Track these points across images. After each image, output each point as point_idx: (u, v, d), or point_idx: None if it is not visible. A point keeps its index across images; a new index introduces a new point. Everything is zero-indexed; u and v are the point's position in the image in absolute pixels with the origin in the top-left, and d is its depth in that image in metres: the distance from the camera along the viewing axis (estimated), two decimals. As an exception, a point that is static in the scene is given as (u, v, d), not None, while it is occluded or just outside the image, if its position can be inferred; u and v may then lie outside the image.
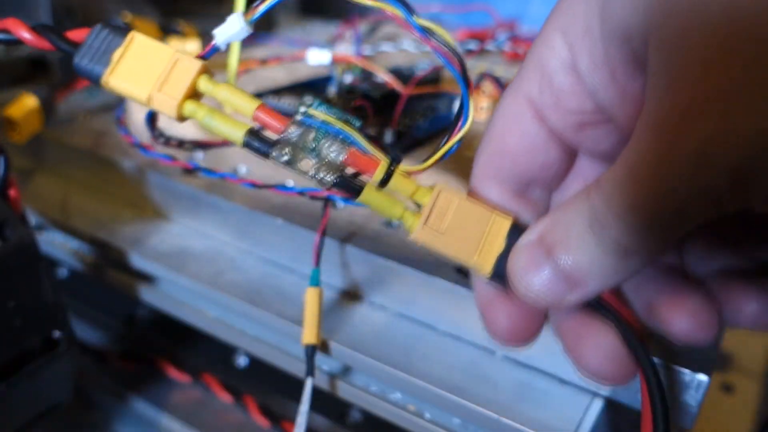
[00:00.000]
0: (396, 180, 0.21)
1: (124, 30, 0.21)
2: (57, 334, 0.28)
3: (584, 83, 0.19)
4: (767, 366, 0.43)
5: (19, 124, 0.35)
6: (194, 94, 0.21)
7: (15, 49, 0.46)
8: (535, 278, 0.18)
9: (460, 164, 0.36)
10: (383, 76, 0.43)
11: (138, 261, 0.33)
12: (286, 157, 0.20)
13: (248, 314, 0.30)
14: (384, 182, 0.21)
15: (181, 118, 0.21)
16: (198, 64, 0.21)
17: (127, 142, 0.36)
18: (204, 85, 0.21)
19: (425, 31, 0.20)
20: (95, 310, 0.41)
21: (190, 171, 0.35)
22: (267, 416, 0.35)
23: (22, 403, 0.28)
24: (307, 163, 0.20)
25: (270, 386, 0.36)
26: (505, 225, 0.21)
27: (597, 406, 0.26)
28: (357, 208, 0.31)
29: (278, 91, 0.44)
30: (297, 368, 0.30)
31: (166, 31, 0.48)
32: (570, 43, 0.19)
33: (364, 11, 0.72)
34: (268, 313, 0.29)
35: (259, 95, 0.43)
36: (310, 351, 0.26)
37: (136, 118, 0.39)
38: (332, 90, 0.44)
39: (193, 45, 0.46)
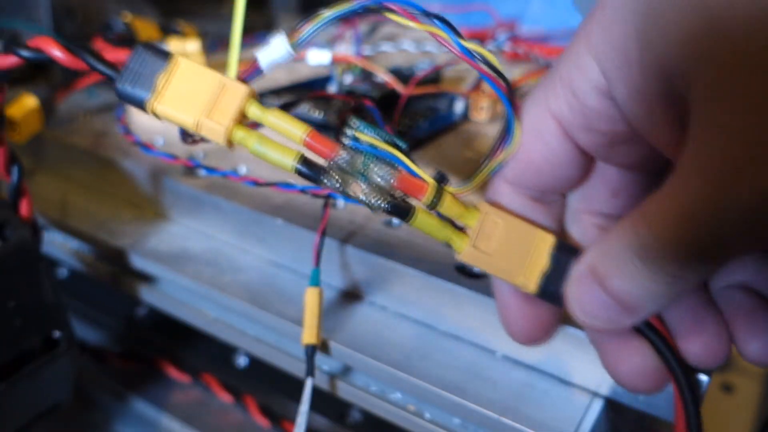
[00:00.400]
0: (444, 201, 0.21)
1: (166, 53, 0.21)
2: (57, 334, 0.28)
3: (619, 110, 0.19)
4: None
5: (19, 124, 0.35)
6: (242, 119, 0.21)
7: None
8: (592, 307, 0.19)
9: (458, 164, 0.36)
10: (383, 76, 0.43)
11: (138, 261, 0.33)
12: (337, 184, 0.20)
13: (248, 314, 0.30)
14: (433, 205, 0.21)
15: (230, 145, 0.21)
16: (245, 89, 0.21)
17: (128, 141, 0.36)
18: (252, 110, 0.21)
19: (471, 53, 0.20)
20: (95, 310, 0.41)
21: (191, 169, 0.35)
22: (267, 416, 0.35)
23: (22, 403, 0.28)
24: (357, 188, 0.21)
25: (270, 386, 0.36)
26: (548, 242, 0.22)
27: (597, 406, 0.26)
28: (357, 208, 0.31)
29: (278, 91, 0.44)
30: (297, 368, 0.30)
31: (166, 31, 0.48)
32: (604, 69, 0.19)
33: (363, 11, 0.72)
34: (268, 313, 0.29)
35: (259, 95, 0.43)
36: (310, 351, 0.26)
37: (137, 117, 0.39)
38: (332, 90, 0.44)
39: (194, 45, 0.46)
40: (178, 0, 0.61)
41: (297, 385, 0.27)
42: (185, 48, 0.45)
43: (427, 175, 0.21)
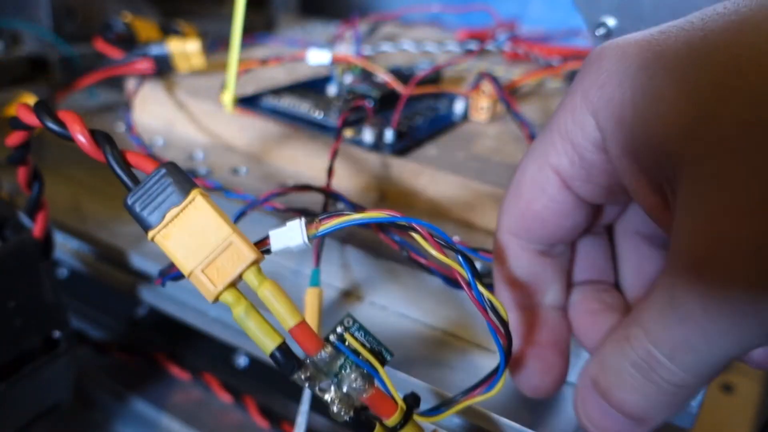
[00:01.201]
0: (407, 428, 0.20)
1: (187, 184, 0.19)
2: (57, 334, 0.28)
3: (615, 166, 0.19)
4: (767, 366, 0.43)
5: (19, 124, 0.35)
6: (237, 280, 0.20)
7: (15, 49, 0.46)
8: (601, 421, 0.19)
9: (458, 164, 0.36)
10: (383, 76, 0.43)
11: (138, 261, 0.33)
12: (307, 382, 0.20)
13: (248, 314, 0.30)
14: (395, 430, 0.20)
15: (216, 302, 0.20)
16: (251, 257, 0.19)
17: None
18: (250, 278, 0.20)
19: (483, 300, 0.19)
20: (95, 310, 0.41)
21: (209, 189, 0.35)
22: (267, 416, 0.35)
23: (22, 403, 0.28)
24: (327, 388, 0.20)
25: (270, 386, 0.36)
26: None
27: (597, 406, 0.26)
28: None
29: (278, 92, 0.44)
30: (297, 368, 0.30)
31: (166, 31, 0.48)
32: (600, 126, 0.19)
33: (364, 11, 0.72)
34: (268, 313, 0.29)
35: (259, 95, 0.43)
36: (310, 351, 0.26)
37: (138, 116, 0.39)
38: (332, 90, 0.44)
39: (193, 45, 0.46)
40: (178, 0, 0.61)
41: (297, 385, 0.26)
42: (185, 48, 0.45)
43: (399, 398, 0.20)
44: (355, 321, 0.21)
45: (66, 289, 0.41)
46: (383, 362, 0.21)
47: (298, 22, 0.73)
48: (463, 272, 0.19)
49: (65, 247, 0.36)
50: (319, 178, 0.35)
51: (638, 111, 0.17)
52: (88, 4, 0.49)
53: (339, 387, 0.20)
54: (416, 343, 0.28)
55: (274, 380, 0.36)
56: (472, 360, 0.27)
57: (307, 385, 0.20)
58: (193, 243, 0.19)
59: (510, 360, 0.20)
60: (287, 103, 0.41)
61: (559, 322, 0.23)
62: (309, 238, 0.20)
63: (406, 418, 0.20)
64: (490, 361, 0.27)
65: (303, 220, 0.20)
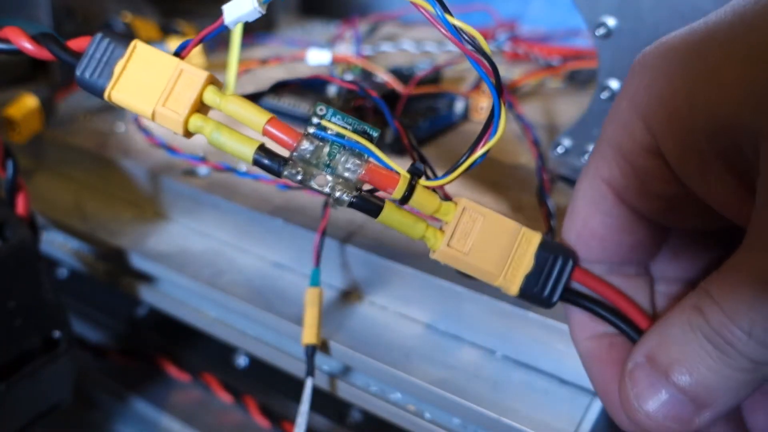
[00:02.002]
0: (417, 195, 0.20)
1: (125, 38, 0.20)
2: (57, 334, 0.28)
3: (670, 169, 0.18)
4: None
5: (19, 124, 0.35)
6: (201, 107, 0.20)
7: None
8: (655, 404, 0.17)
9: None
10: (383, 76, 0.43)
11: (138, 261, 0.33)
12: (299, 176, 0.19)
13: (248, 314, 0.30)
14: (405, 199, 0.19)
15: (188, 135, 0.20)
16: (203, 75, 0.20)
17: (150, 143, 0.36)
18: (210, 97, 0.20)
19: (457, 32, 0.18)
20: (95, 310, 0.41)
21: (191, 171, 0.35)
22: (267, 416, 0.35)
23: (22, 403, 0.28)
24: (322, 180, 0.19)
25: (270, 386, 0.36)
26: (533, 240, 0.20)
27: (597, 406, 0.26)
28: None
29: (278, 92, 0.44)
30: (297, 368, 0.30)
31: (166, 31, 0.48)
32: (652, 128, 0.18)
33: (364, 11, 0.72)
34: (268, 313, 0.29)
35: (259, 95, 0.43)
36: (310, 351, 0.26)
37: (147, 124, 0.39)
38: (332, 90, 0.44)
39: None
40: (178, 0, 0.61)
41: (297, 385, 0.26)
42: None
43: (398, 166, 0.20)
44: (328, 107, 0.20)
45: (66, 289, 0.41)
46: (371, 139, 0.20)
47: (298, 22, 0.73)
48: (428, 6, 0.18)
49: (65, 247, 0.36)
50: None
51: (696, 100, 0.16)
52: (88, 4, 0.49)
53: (334, 174, 0.19)
54: (416, 343, 0.28)
55: (274, 380, 0.36)
56: (473, 359, 0.27)
57: (300, 179, 0.19)
58: (146, 86, 0.20)
59: (502, 95, 0.19)
60: (287, 102, 0.41)
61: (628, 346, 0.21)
62: (259, 3, 0.19)
63: (412, 186, 0.19)
64: (491, 361, 0.27)
65: None
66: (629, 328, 0.20)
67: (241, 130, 0.20)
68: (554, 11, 0.67)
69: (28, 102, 0.36)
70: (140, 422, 0.37)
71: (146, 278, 0.34)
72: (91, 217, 0.36)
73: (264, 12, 0.20)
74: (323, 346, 0.28)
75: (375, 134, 0.20)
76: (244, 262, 0.33)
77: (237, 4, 0.19)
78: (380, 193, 0.20)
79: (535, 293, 0.20)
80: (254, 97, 0.43)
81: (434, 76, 0.45)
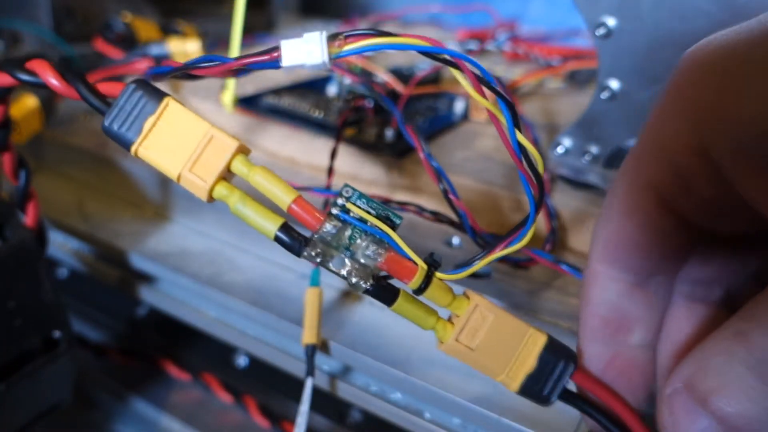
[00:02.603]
0: (432, 288, 0.20)
1: (158, 93, 0.20)
2: (57, 334, 0.28)
3: (717, 168, 0.17)
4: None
5: (19, 124, 0.35)
6: (227, 174, 0.20)
7: (15, 49, 0.46)
8: None
9: (458, 164, 0.36)
10: (383, 76, 0.43)
11: (138, 261, 0.33)
12: (318, 259, 0.19)
13: (248, 314, 0.30)
14: (420, 291, 0.20)
15: (211, 200, 0.20)
16: (234, 145, 0.19)
17: None
18: (238, 167, 0.19)
19: (521, 150, 0.18)
20: (95, 310, 0.41)
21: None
22: (267, 416, 0.35)
23: (22, 403, 0.28)
24: (341, 263, 0.19)
25: (270, 386, 0.36)
26: (539, 342, 0.20)
27: (597, 406, 0.26)
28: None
29: (278, 91, 0.44)
30: (297, 368, 0.30)
31: (166, 31, 0.48)
32: (699, 128, 0.17)
33: (364, 11, 0.72)
34: (268, 313, 0.29)
35: (259, 95, 0.43)
36: (310, 351, 0.26)
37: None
38: (332, 90, 0.44)
39: (193, 45, 0.46)
40: (178, 0, 0.61)
41: (297, 385, 0.26)
42: (185, 48, 0.45)
43: (418, 257, 0.20)
44: (354, 189, 0.20)
45: (66, 289, 0.41)
46: (393, 226, 0.20)
47: (298, 22, 0.73)
48: (501, 117, 0.18)
49: (65, 247, 0.36)
50: (319, 178, 0.35)
51: (748, 100, 0.16)
52: (88, 4, 0.49)
53: (353, 258, 0.19)
54: (416, 343, 0.28)
55: (274, 380, 0.36)
56: (472, 360, 0.27)
57: (319, 261, 0.19)
58: (175, 147, 0.19)
59: (540, 211, 0.19)
60: (287, 103, 0.41)
61: (645, 363, 0.21)
62: (330, 57, 0.18)
63: (429, 278, 0.19)
64: (490, 361, 0.27)
65: (324, 32, 0.18)
66: None
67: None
68: (554, 11, 0.67)
69: (28, 102, 0.36)
70: (140, 422, 0.37)
71: (146, 278, 0.34)
72: (91, 217, 0.36)
73: (330, 68, 0.18)
74: (323, 346, 0.28)
75: (398, 222, 0.20)
76: (244, 262, 0.33)
77: (303, 49, 0.18)
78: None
79: (535, 392, 0.20)
80: (254, 97, 0.43)
81: (434, 76, 0.46)
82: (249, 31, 0.57)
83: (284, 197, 0.19)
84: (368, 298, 0.30)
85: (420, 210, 0.28)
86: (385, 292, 0.20)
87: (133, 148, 0.20)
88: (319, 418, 0.34)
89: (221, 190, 0.19)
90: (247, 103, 0.42)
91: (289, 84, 0.46)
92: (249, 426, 0.36)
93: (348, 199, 0.20)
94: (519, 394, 0.20)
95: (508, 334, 0.20)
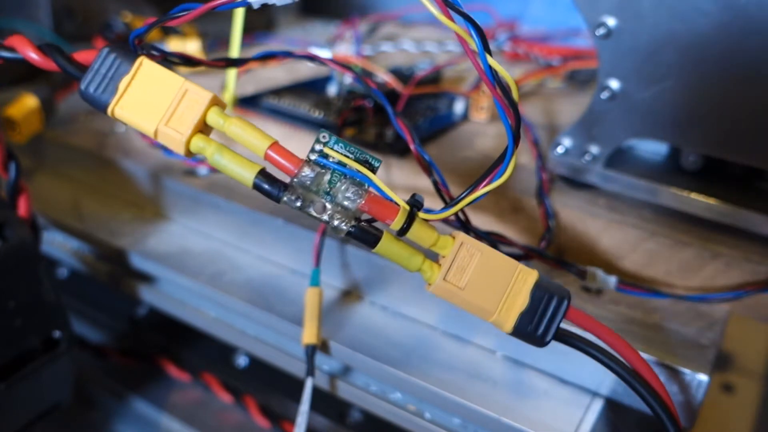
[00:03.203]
0: (416, 228, 0.19)
1: (132, 54, 0.20)
2: (57, 334, 0.28)
3: None
4: (767, 366, 0.43)
5: (19, 124, 0.35)
6: (204, 127, 0.20)
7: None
8: None
9: (458, 164, 0.36)
10: (383, 76, 0.43)
11: (138, 261, 0.33)
12: (298, 203, 0.19)
13: (248, 314, 0.30)
14: (403, 231, 0.19)
15: (189, 154, 0.20)
16: (207, 96, 0.20)
17: (148, 143, 0.36)
18: (213, 118, 0.20)
19: (492, 73, 0.18)
20: (95, 310, 0.41)
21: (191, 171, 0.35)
22: (267, 416, 0.35)
23: (22, 403, 0.28)
24: (321, 208, 0.19)
25: (270, 386, 0.36)
26: (530, 278, 0.20)
27: (597, 406, 0.26)
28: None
29: (278, 91, 0.44)
30: (297, 368, 0.30)
31: (166, 31, 0.48)
32: None
33: (364, 11, 0.72)
34: (268, 313, 0.29)
35: (259, 95, 0.43)
36: (310, 351, 0.26)
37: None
38: (332, 90, 0.44)
39: (194, 45, 0.46)
40: (178, 0, 0.61)
41: (297, 385, 0.26)
42: (185, 48, 0.45)
43: (399, 198, 0.19)
44: (331, 135, 0.20)
45: (66, 289, 0.41)
46: (372, 169, 0.20)
47: (298, 22, 0.73)
48: (471, 41, 0.18)
49: (65, 247, 0.36)
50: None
51: None
52: (88, 4, 0.49)
53: (333, 202, 0.19)
54: (416, 343, 0.28)
55: (274, 380, 0.36)
56: (473, 360, 0.27)
57: (299, 205, 0.19)
58: (150, 104, 0.20)
59: (518, 143, 0.19)
60: (287, 103, 0.41)
61: None
62: None
63: (411, 218, 0.19)
64: (491, 361, 0.27)
65: None
66: (621, 368, 0.20)
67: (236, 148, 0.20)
68: (554, 11, 0.67)
69: (28, 102, 0.36)
70: (140, 422, 0.37)
71: (146, 278, 0.34)
72: (91, 217, 0.36)
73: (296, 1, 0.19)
74: (323, 346, 0.28)
75: (377, 164, 0.20)
76: (244, 262, 0.33)
77: None
78: (378, 224, 0.20)
79: (528, 331, 0.20)
80: (255, 98, 0.43)
81: (434, 76, 0.45)
82: (249, 31, 0.57)
83: (260, 144, 0.19)
84: (368, 298, 0.30)
85: None
86: (367, 234, 0.20)
87: (109, 109, 0.20)
88: (319, 418, 0.34)
89: (198, 143, 0.20)
90: (247, 103, 0.42)
91: (289, 84, 0.46)
92: (249, 426, 0.36)
93: (326, 144, 0.20)
94: (513, 335, 0.20)
95: (497, 271, 0.20)
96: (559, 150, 0.32)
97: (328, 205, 0.19)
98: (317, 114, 0.40)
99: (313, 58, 0.28)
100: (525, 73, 0.50)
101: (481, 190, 0.19)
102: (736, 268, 0.28)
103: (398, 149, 0.36)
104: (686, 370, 0.24)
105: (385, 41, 0.59)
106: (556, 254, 0.30)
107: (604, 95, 0.30)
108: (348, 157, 0.20)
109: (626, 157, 0.33)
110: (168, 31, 0.48)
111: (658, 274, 0.29)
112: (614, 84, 0.30)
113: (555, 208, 0.32)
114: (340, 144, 0.20)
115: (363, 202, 0.19)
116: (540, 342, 0.21)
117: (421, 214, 0.20)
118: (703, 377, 0.24)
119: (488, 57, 0.18)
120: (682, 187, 0.30)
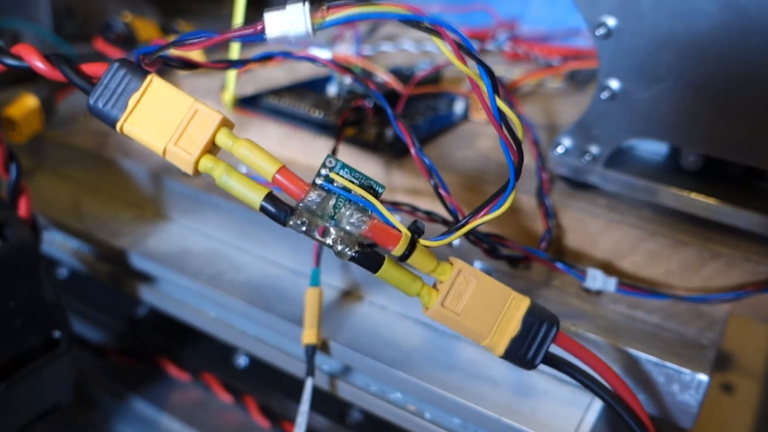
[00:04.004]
0: (416, 255, 0.20)
1: (142, 71, 0.20)
2: (57, 334, 0.28)
3: None
4: (767, 366, 0.43)
5: (19, 124, 0.35)
6: (212, 148, 0.20)
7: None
8: None
9: (458, 164, 0.36)
10: (383, 76, 0.43)
11: (138, 261, 0.33)
12: (303, 227, 0.20)
13: (248, 314, 0.30)
14: (404, 257, 0.20)
15: (197, 174, 0.20)
16: (217, 118, 0.20)
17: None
18: (223, 140, 0.20)
19: (500, 115, 0.18)
20: (95, 310, 0.41)
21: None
22: (267, 416, 0.35)
23: (22, 403, 0.28)
24: (326, 232, 0.20)
25: (270, 386, 0.36)
26: (522, 305, 0.21)
27: (597, 406, 0.26)
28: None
29: (278, 91, 0.44)
30: (297, 368, 0.30)
31: (166, 31, 0.48)
32: None
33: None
34: (268, 313, 0.29)
35: (259, 95, 0.43)
36: (310, 351, 0.26)
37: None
38: (332, 90, 0.44)
39: (193, 45, 0.46)
40: (178, 0, 0.61)
41: (297, 385, 0.26)
42: (184, 57, 0.45)
43: (401, 225, 0.20)
44: (337, 160, 0.20)
45: (66, 289, 0.41)
46: (376, 195, 0.20)
47: (298, 22, 0.73)
48: (481, 84, 0.18)
49: (65, 247, 0.36)
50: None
51: None
52: (88, 4, 0.49)
53: (338, 226, 0.20)
54: (416, 343, 0.28)
55: (274, 380, 0.36)
56: (473, 360, 0.27)
57: (305, 230, 0.20)
58: (160, 122, 0.20)
59: (519, 177, 0.19)
60: (287, 103, 0.41)
61: None
62: (313, 27, 0.18)
63: (413, 244, 0.20)
64: (491, 361, 0.27)
65: (307, 3, 0.18)
66: (603, 392, 0.21)
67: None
68: (554, 11, 0.67)
69: (28, 102, 0.36)
70: (140, 422, 0.37)
71: (146, 278, 0.34)
72: (91, 217, 0.36)
73: (314, 36, 0.18)
74: (323, 346, 0.28)
75: (380, 190, 0.20)
76: (244, 262, 0.33)
77: (286, 20, 0.18)
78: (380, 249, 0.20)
79: (519, 355, 0.21)
80: (256, 98, 0.43)
81: (434, 76, 0.46)
82: (249, 31, 0.57)
83: (268, 167, 0.20)
84: (368, 298, 0.30)
85: (413, 210, 0.28)
86: (370, 258, 0.20)
87: (118, 125, 0.20)
88: (319, 418, 0.34)
89: (206, 163, 0.20)
90: (247, 104, 0.42)
91: (289, 84, 0.46)
92: (249, 426, 0.36)
93: (331, 169, 0.20)
94: (504, 359, 0.21)
95: (491, 298, 0.21)
96: (559, 150, 0.32)
97: (333, 230, 0.20)
98: (317, 114, 0.40)
99: (312, 60, 0.29)
100: (525, 73, 0.50)
101: (480, 219, 0.20)
102: (736, 268, 0.28)
103: (398, 149, 0.36)
104: (686, 370, 0.24)
105: (385, 41, 0.59)
106: (555, 254, 0.30)
107: (604, 95, 0.30)
108: (353, 182, 0.20)
109: (626, 157, 0.33)
110: (168, 31, 0.48)
111: (658, 274, 0.29)
112: (614, 84, 0.30)
113: (555, 208, 0.32)
114: (346, 169, 0.20)
115: (366, 228, 0.20)
116: (529, 365, 0.22)
117: (422, 241, 0.20)
118: (703, 377, 0.24)
119: (497, 100, 0.18)
120: (682, 187, 0.30)
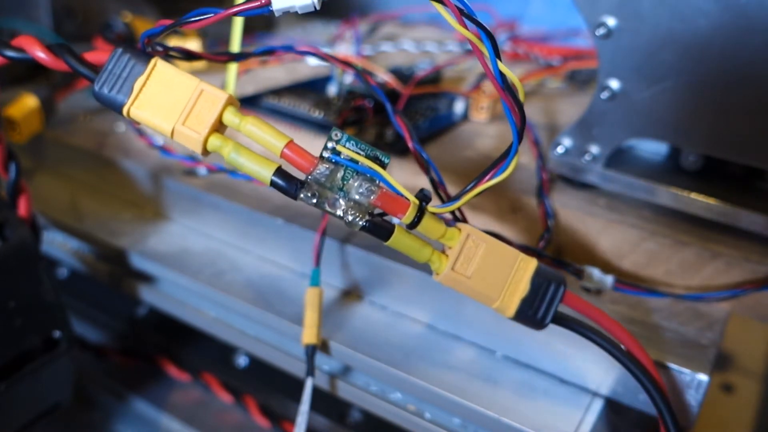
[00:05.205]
0: (425, 221, 0.20)
1: (145, 55, 0.20)
2: (57, 334, 0.28)
3: None
4: (767, 366, 0.43)
5: (19, 124, 0.35)
6: (219, 126, 0.20)
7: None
8: None
9: (458, 164, 0.36)
10: (383, 76, 0.43)
11: (138, 261, 0.33)
12: (314, 199, 0.20)
13: (248, 314, 0.30)
14: (414, 224, 0.20)
15: (206, 153, 0.20)
16: (223, 96, 0.20)
17: (145, 144, 0.36)
18: (230, 118, 0.20)
19: (502, 78, 0.19)
20: (95, 310, 0.41)
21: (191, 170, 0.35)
22: (267, 416, 0.35)
23: (22, 403, 0.28)
24: (335, 203, 0.20)
25: (270, 386, 0.36)
26: (530, 266, 0.21)
27: (597, 406, 0.26)
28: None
29: (278, 91, 0.44)
30: (297, 368, 0.30)
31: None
32: None
33: (364, 11, 0.72)
34: (268, 313, 0.29)
35: (259, 95, 0.43)
36: (310, 351, 0.26)
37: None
38: (332, 90, 0.44)
39: (194, 45, 0.46)
40: (178, 0, 0.61)
41: (297, 385, 0.26)
42: (185, 47, 0.45)
43: (408, 192, 0.20)
44: (342, 133, 0.21)
45: (66, 289, 0.41)
46: (382, 165, 0.21)
47: (298, 22, 0.73)
48: (482, 47, 0.19)
49: (65, 247, 0.36)
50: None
51: None
52: (88, 4, 0.49)
53: (347, 197, 0.20)
54: (416, 343, 0.28)
55: (274, 380, 0.36)
56: (473, 359, 0.27)
57: (315, 202, 0.20)
58: (166, 104, 0.20)
59: (521, 139, 0.20)
60: (287, 103, 0.41)
61: None
62: None
63: (421, 212, 0.20)
64: (491, 361, 0.27)
65: None
66: (615, 349, 0.22)
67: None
68: (554, 11, 0.67)
69: (28, 102, 0.36)
70: (140, 422, 0.37)
71: (146, 278, 0.34)
72: (91, 217, 0.36)
73: (318, 8, 0.19)
74: (323, 346, 0.28)
75: (386, 160, 0.21)
76: (244, 262, 0.33)
77: None
78: (388, 217, 0.21)
79: (529, 316, 0.21)
80: (256, 98, 0.43)
81: (434, 76, 0.46)
82: (249, 31, 0.57)
83: (277, 142, 0.20)
84: (368, 298, 0.30)
85: None
86: (380, 228, 0.20)
87: (125, 109, 0.20)
88: (319, 418, 0.34)
89: (215, 141, 0.20)
90: (247, 104, 0.42)
91: (289, 84, 0.46)
92: (249, 426, 0.36)
93: (337, 141, 0.20)
94: (514, 320, 0.21)
95: (500, 261, 0.21)
96: (559, 150, 0.32)
97: (342, 201, 0.20)
98: (317, 114, 0.40)
99: (314, 54, 0.29)
100: (525, 73, 0.50)
101: (485, 184, 0.20)
102: (736, 268, 0.28)
103: (398, 149, 0.36)
104: (686, 370, 0.24)
105: (385, 41, 0.59)
106: (555, 254, 0.30)
107: (604, 95, 0.30)
108: (359, 154, 0.20)
109: (626, 157, 0.33)
110: (168, 31, 0.48)
111: (657, 274, 0.29)
112: (614, 84, 0.30)
113: (555, 207, 0.32)
114: (352, 141, 0.21)
115: (375, 197, 0.20)
116: (539, 325, 0.22)
117: (429, 208, 0.21)
118: (703, 377, 0.24)
119: (498, 62, 0.19)
120: (682, 187, 0.30)
